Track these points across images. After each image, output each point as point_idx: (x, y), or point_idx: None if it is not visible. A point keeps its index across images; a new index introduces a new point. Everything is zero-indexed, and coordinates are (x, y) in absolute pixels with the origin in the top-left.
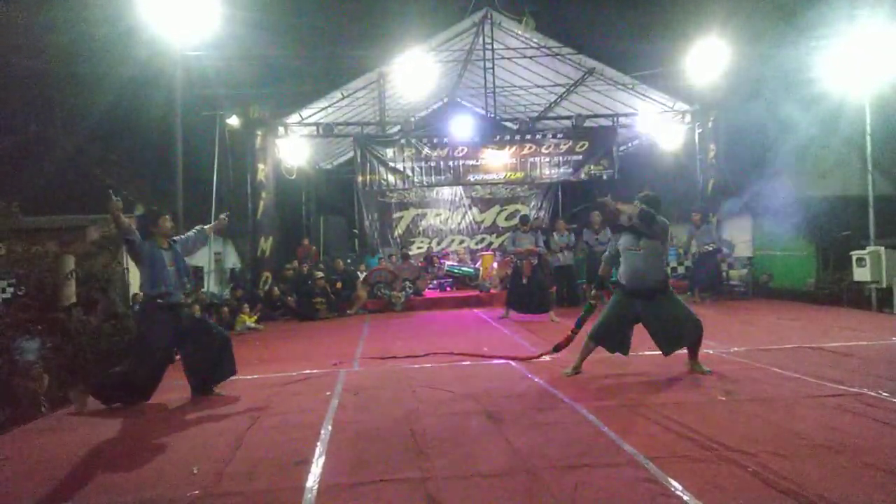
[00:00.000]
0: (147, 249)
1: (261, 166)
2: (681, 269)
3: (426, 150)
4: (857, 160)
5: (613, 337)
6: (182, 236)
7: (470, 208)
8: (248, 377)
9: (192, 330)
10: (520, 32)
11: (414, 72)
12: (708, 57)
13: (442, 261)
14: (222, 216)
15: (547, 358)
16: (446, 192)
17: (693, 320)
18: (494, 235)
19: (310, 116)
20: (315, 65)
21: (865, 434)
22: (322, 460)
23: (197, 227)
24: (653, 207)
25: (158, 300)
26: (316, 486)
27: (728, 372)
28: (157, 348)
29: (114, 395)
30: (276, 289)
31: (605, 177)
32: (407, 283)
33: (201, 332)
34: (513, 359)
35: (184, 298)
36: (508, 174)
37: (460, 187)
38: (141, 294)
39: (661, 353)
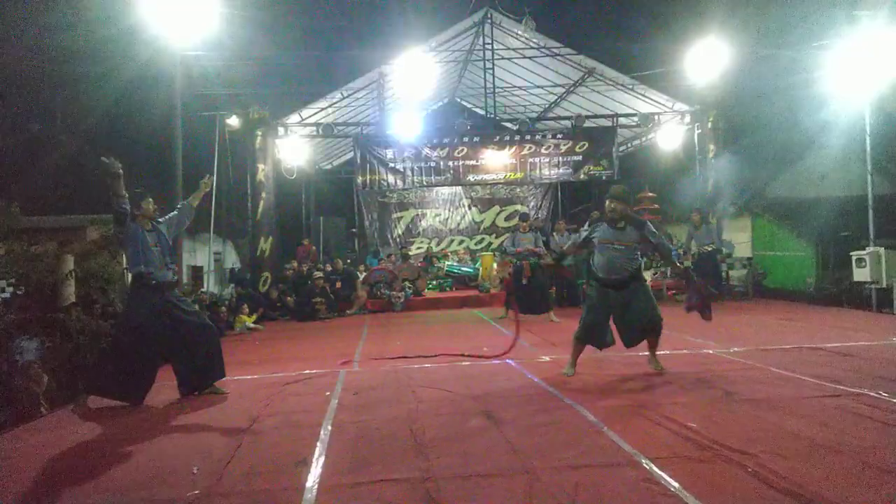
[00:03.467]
0: (132, 230)
1: (261, 166)
2: None
3: (426, 151)
4: (857, 160)
5: (598, 335)
6: (167, 216)
7: (469, 209)
8: (248, 377)
9: (183, 321)
10: (520, 33)
11: (414, 72)
12: (708, 57)
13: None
14: (203, 181)
15: (547, 358)
16: (446, 193)
17: (656, 316)
18: (494, 236)
19: (310, 117)
20: (315, 65)
21: (865, 434)
22: (322, 460)
23: (180, 204)
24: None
25: (142, 280)
26: (316, 486)
27: (728, 372)
28: (138, 323)
29: (105, 384)
30: (275, 289)
31: (604, 177)
32: (407, 283)
33: (194, 327)
34: (478, 357)
35: (172, 277)
36: (508, 174)
37: (460, 188)
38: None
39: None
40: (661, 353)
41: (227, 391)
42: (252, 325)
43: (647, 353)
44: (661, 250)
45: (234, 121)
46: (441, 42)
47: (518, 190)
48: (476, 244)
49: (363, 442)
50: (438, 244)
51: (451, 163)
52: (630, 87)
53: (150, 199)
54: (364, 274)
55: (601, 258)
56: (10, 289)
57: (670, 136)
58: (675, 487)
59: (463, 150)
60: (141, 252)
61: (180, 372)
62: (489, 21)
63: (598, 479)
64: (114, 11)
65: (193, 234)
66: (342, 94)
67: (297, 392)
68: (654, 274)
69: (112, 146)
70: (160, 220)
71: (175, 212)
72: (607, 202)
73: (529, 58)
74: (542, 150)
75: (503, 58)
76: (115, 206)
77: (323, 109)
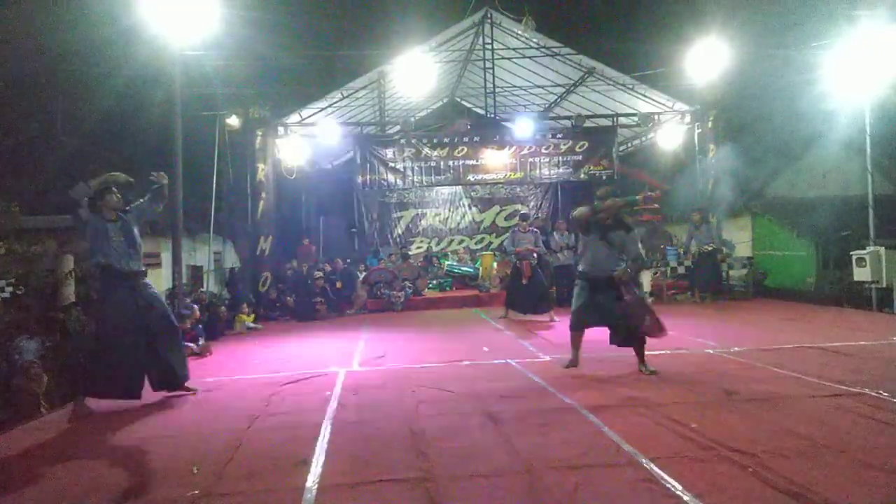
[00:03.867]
0: (91, 222)
1: (260, 166)
2: (681, 270)
3: (426, 150)
4: (857, 160)
5: (583, 317)
6: (136, 203)
7: (469, 208)
8: (248, 377)
9: (151, 315)
10: (520, 32)
11: (414, 72)
12: (708, 57)
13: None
14: (156, 177)
15: (547, 358)
16: (446, 192)
17: (635, 326)
18: (494, 235)
19: (310, 116)
20: (315, 65)
21: (865, 434)
22: (322, 460)
23: (150, 191)
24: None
25: (105, 271)
26: (316, 486)
27: (728, 372)
28: (114, 315)
29: (99, 385)
30: (275, 289)
31: (604, 177)
32: (407, 283)
33: (162, 319)
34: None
35: (137, 267)
36: (508, 174)
37: (460, 187)
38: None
39: (656, 351)
40: (662, 352)
41: (198, 388)
42: (252, 325)
43: (649, 352)
44: (630, 257)
45: (234, 121)
46: (441, 42)
47: (518, 189)
48: (476, 244)
49: (363, 442)
50: (438, 244)
51: (451, 162)
52: (630, 86)
53: (114, 191)
54: (364, 274)
55: (587, 252)
56: (10, 289)
57: (670, 135)
58: (675, 487)
59: (463, 149)
60: (100, 243)
61: (153, 368)
62: (489, 21)
63: (598, 479)
64: (114, 11)
65: (193, 234)
66: (342, 94)
67: (297, 392)
68: (655, 274)
69: (112, 146)
70: (128, 209)
71: (144, 199)
72: (595, 203)
73: (529, 58)
74: (543, 150)
75: (503, 58)
76: (77, 192)
77: (323, 109)
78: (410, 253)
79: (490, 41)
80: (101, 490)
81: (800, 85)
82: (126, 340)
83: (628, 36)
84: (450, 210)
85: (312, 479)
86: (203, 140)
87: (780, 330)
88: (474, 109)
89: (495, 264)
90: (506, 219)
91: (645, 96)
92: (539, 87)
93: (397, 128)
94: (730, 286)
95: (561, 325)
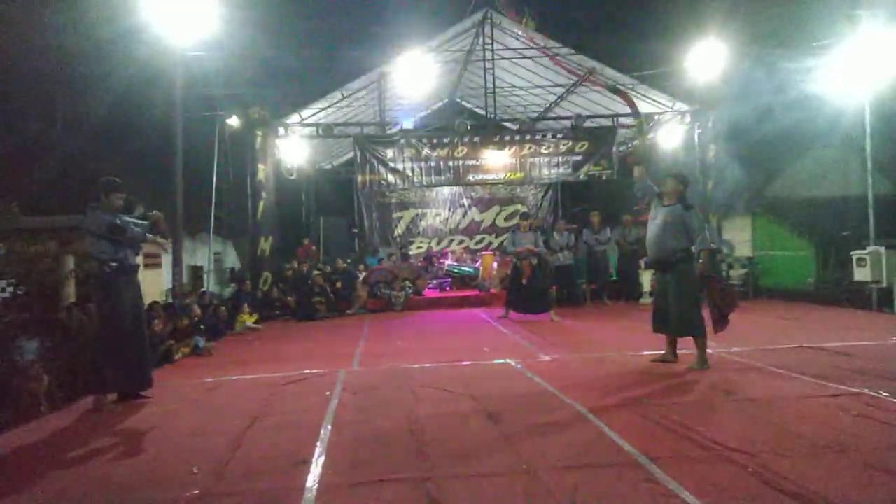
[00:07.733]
0: (105, 220)
1: (261, 166)
2: None
3: (426, 151)
4: (857, 160)
5: (657, 319)
6: (128, 218)
7: (470, 208)
8: (248, 377)
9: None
10: (520, 33)
11: (414, 72)
12: (708, 57)
13: (441, 261)
14: (154, 216)
15: (547, 358)
16: (446, 192)
17: (687, 318)
18: (494, 235)
19: (310, 117)
20: (315, 65)
21: (865, 434)
22: (322, 460)
23: (145, 226)
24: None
25: (118, 264)
26: (316, 486)
27: (728, 372)
28: (126, 309)
29: (114, 380)
30: (275, 289)
31: (604, 177)
32: (407, 283)
33: (139, 328)
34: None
35: (136, 261)
36: (508, 174)
37: (460, 187)
38: (96, 263)
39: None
40: (662, 352)
41: (150, 396)
42: (252, 325)
43: (644, 353)
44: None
45: (234, 121)
46: (441, 42)
47: (518, 189)
48: (476, 244)
49: (363, 442)
50: (439, 244)
51: (451, 163)
52: (630, 86)
53: (121, 196)
54: (364, 274)
55: (647, 233)
56: (11, 289)
57: (670, 135)
58: (675, 487)
59: (463, 149)
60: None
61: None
62: (489, 21)
63: (598, 479)
64: (114, 12)
65: (193, 234)
66: (342, 94)
67: (297, 392)
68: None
69: (113, 146)
70: (125, 217)
71: (138, 229)
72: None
73: (529, 58)
74: (542, 150)
75: (503, 58)
76: (132, 235)
77: (323, 110)
78: (410, 253)
79: (490, 41)
80: (101, 490)
81: (800, 84)
82: (136, 334)
83: (628, 36)
84: (450, 210)
85: (312, 479)
86: (203, 140)
87: (780, 330)
88: (474, 110)
89: (495, 264)
90: (506, 219)
91: (645, 96)
92: (539, 87)
93: (397, 128)
94: (730, 286)
95: (561, 325)
